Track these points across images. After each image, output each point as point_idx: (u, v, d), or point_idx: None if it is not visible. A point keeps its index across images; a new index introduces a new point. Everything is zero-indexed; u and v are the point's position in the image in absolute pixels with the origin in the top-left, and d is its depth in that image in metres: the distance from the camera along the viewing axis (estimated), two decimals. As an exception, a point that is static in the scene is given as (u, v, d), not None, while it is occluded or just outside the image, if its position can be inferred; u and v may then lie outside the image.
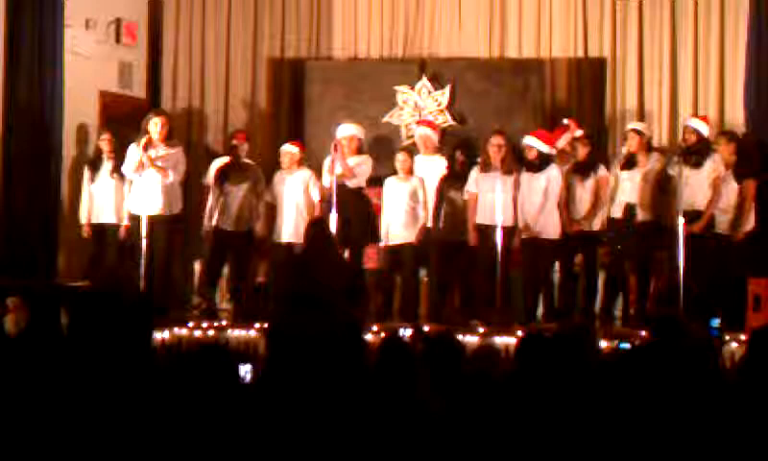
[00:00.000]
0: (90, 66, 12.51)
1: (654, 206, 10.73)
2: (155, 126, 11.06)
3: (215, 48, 13.46)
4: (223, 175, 11.34)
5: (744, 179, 10.57)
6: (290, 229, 11.21)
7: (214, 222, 11.26)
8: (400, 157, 11.21)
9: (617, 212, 10.81)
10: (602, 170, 10.84)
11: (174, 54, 13.49)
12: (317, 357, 4.64)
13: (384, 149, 12.09)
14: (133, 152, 11.01)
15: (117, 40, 12.90)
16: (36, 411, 3.30)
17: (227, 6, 13.46)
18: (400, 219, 11.02)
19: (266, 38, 13.42)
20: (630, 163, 10.83)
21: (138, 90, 13.26)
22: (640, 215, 10.72)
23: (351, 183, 11.01)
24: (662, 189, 10.77)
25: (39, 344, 3.64)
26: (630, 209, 10.75)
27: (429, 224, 11.05)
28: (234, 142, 11.51)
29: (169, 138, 11.17)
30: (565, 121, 11.64)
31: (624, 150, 11.10)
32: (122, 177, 11.29)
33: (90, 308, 3.44)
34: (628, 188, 10.76)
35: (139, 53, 13.29)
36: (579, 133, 11.24)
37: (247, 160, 11.48)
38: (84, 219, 11.56)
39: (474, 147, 11.46)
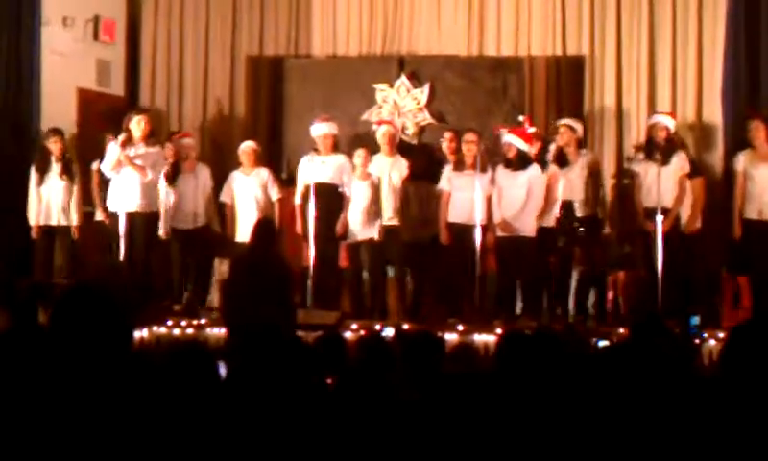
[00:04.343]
0: (68, 64, 12.46)
1: (591, 201, 10.80)
2: (137, 124, 11.06)
3: (193, 46, 13.43)
4: (173, 176, 11.34)
5: (694, 176, 10.68)
6: (249, 228, 11.18)
7: (169, 222, 11.30)
8: (360, 154, 11.18)
9: (556, 210, 10.86)
10: (552, 167, 10.87)
11: (152, 51, 13.45)
12: (295, 356, 4.64)
13: (363, 147, 12.07)
14: (112, 150, 10.98)
15: (95, 38, 12.84)
16: (18, 409, 3.29)
17: (205, 3, 13.44)
18: (359, 217, 11.02)
19: (244, 36, 13.40)
20: (562, 161, 10.88)
21: (116, 88, 13.22)
22: (579, 211, 10.78)
23: (330, 181, 11.05)
24: (597, 184, 10.89)
25: (21, 343, 3.63)
26: (567, 206, 10.79)
27: (390, 222, 11.06)
28: (183, 141, 11.53)
29: (149, 137, 11.17)
30: (521, 118, 11.66)
31: (553, 146, 11.11)
32: (71, 178, 11.26)
33: (74, 305, 3.42)
34: (563, 186, 10.80)
35: (117, 51, 13.25)
36: (531, 130, 11.26)
37: (195, 159, 11.51)
38: (32, 220, 11.41)
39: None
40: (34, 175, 11.41)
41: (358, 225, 11.04)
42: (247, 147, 11.58)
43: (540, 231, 10.67)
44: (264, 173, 11.48)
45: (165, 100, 13.38)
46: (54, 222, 11.38)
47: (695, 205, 10.70)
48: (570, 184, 10.78)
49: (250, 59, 13.41)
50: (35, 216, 11.39)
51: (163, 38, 13.47)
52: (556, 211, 10.77)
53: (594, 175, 10.93)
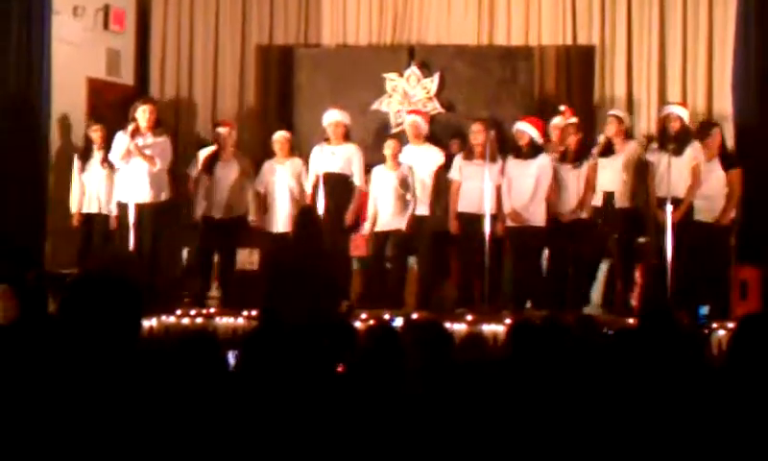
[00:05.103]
0: (78, 53, 12.48)
1: (633, 193, 10.74)
2: (142, 113, 11.05)
3: (203, 35, 13.44)
4: (210, 164, 11.34)
5: (731, 168, 10.56)
6: (284, 218, 11.19)
7: (202, 211, 11.28)
8: (390, 145, 11.20)
9: (597, 200, 10.80)
10: (592, 158, 10.84)
11: (162, 41, 13.47)
12: (305, 345, 4.64)
13: (373, 136, 12.10)
14: (121, 140, 10.99)
15: (105, 27, 12.87)
16: (28, 398, 3.30)
17: (215, -7, 13.46)
18: (389, 207, 11.02)
19: (254, 25, 13.40)
20: (608, 150, 10.83)
21: (126, 78, 13.24)
22: (619, 202, 10.72)
23: (340, 171, 11.07)
24: (641, 177, 10.78)
25: (30, 332, 3.64)
26: (608, 197, 10.74)
27: (417, 212, 11.05)
28: (220, 130, 11.52)
29: (156, 126, 11.17)
30: (561, 108, 11.62)
31: (602, 136, 11.07)
32: (112, 167, 11.28)
33: (83, 294, 3.43)
34: (606, 176, 10.76)
35: (127, 40, 13.26)
36: (573, 119, 11.22)
37: (233, 149, 11.49)
38: (74, 208, 11.53)
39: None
40: (76, 163, 11.54)
41: (387, 215, 11.04)
42: (280, 137, 11.55)
43: (575, 223, 10.65)
44: (298, 163, 11.44)
45: (175, 89, 13.40)
46: (94, 210, 11.45)
47: (731, 196, 10.53)
48: (612, 175, 10.73)
49: (259, 48, 13.42)
50: (76, 204, 11.48)
51: (173, 28, 13.48)
52: (595, 202, 10.73)
53: (634, 166, 10.80)
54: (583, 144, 10.86)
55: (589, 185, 10.70)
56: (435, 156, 11.32)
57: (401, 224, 10.99)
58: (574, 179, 10.69)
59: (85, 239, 11.55)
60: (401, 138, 11.55)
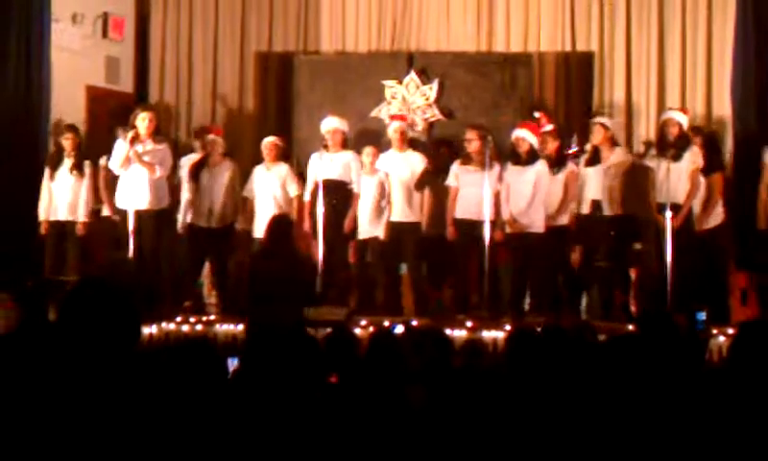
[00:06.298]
0: (77, 61, 12.50)
1: (623, 199, 10.72)
2: (142, 121, 11.05)
3: (202, 42, 13.45)
4: (197, 171, 11.33)
5: (712, 172, 10.57)
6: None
7: (188, 219, 11.29)
8: (369, 151, 11.20)
9: (585, 209, 10.80)
10: (571, 165, 10.83)
11: (161, 48, 13.48)
12: (297, 355, 4.65)
13: (372, 143, 12.09)
14: (121, 147, 11.00)
15: (104, 35, 12.90)
16: (28, 406, 3.30)
17: (214, 0, 13.45)
18: (368, 214, 11.04)
19: (253, 32, 13.41)
20: (594, 159, 10.81)
21: (125, 85, 13.26)
22: (608, 210, 10.69)
23: (338, 178, 11.08)
24: (632, 183, 10.75)
25: (31, 340, 3.64)
26: (596, 205, 10.73)
27: (400, 219, 11.04)
28: (208, 137, 11.51)
29: (156, 134, 11.17)
30: (536, 115, 11.64)
31: (588, 145, 11.06)
32: (81, 174, 11.27)
33: (82, 301, 3.43)
34: (594, 184, 10.74)
35: (126, 48, 13.28)
36: (549, 127, 11.23)
37: (221, 155, 11.46)
38: (42, 215, 11.44)
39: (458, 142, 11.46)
40: (46, 170, 11.48)
41: (366, 222, 11.06)
42: (267, 142, 11.54)
43: (555, 230, 10.64)
44: (283, 169, 11.44)
45: (174, 97, 13.41)
46: (62, 217, 11.41)
47: (710, 200, 10.53)
48: (599, 183, 10.72)
49: (258, 55, 13.42)
50: (44, 212, 11.43)
51: (172, 35, 13.49)
52: (573, 209, 10.73)
53: (623, 172, 10.79)
54: (561, 151, 10.90)
55: (569, 193, 10.68)
56: (418, 161, 11.31)
57: (379, 231, 11.01)
58: (553, 186, 10.69)
59: (56, 247, 11.46)
60: (380, 144, 11.51)
